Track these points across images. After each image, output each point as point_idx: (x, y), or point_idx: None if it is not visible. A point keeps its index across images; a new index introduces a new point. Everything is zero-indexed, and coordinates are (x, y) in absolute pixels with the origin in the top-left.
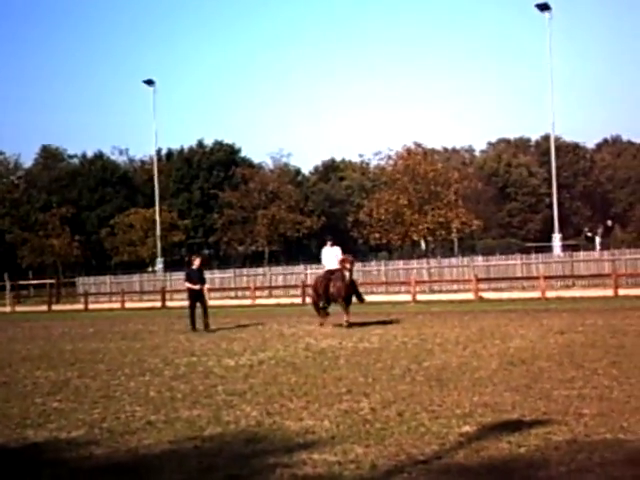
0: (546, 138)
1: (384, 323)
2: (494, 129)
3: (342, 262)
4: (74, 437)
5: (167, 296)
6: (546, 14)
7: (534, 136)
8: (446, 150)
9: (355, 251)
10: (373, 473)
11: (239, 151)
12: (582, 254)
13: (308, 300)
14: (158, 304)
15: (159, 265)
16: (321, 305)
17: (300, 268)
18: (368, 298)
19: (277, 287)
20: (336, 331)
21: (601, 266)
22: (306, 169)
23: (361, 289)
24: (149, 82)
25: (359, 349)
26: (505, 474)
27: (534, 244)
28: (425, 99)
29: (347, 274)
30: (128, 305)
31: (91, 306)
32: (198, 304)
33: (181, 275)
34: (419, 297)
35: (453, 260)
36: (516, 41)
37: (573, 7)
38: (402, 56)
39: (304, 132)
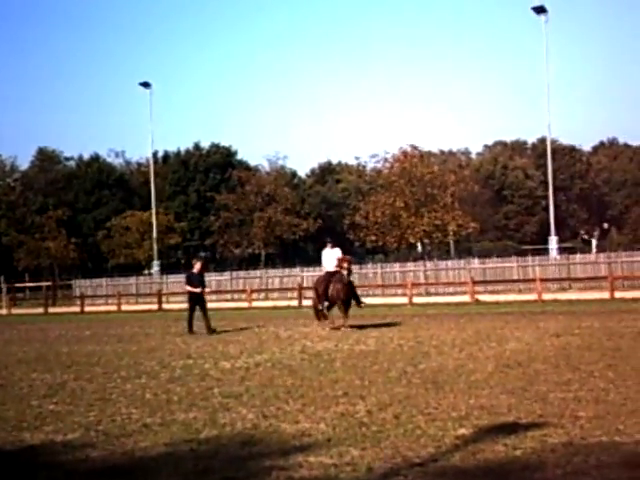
0: (542, 141)
1: (380, 326)
2: (491, 131)
3: (340, 262)
4: (70, 440)
5: (163, 299)
6: (542, 17)
7: (531, 139)
8: (442, 152)
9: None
10: (369, 476)
11: (235, 154)
12: (578, 257)
13: (305, 303)
14: (154, 307)
15: (155, 268)
16: (320, 307)
17: (296, 271)
18: (364, 300)
19: (273, 290)
20: (332, 334)
21: (597, 269)
22: (302, 172)
23: (357, 291)
24: (145, 84)
25: (355, 351)
26: (501, 476)
27: (530, 247)
28: (421, 101)
29: (345, 273)
30: (124, 308)
31: (87, 309)
32: (197, 307)
33: (178, 278)
34: (415, 300)
35: (449, 263)
36: (513, 44)
37: (570, 10)
38: (398, 59)
39: (300, 135)
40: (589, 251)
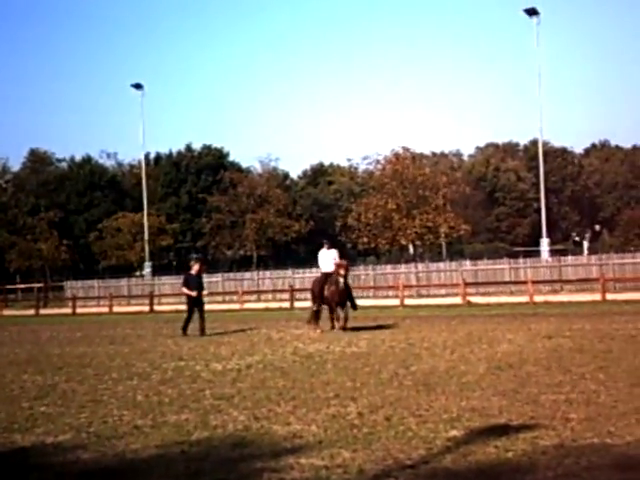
0: (534, 143)
1: (372, 328)
2: (482, 134)
3: (337, 267)
4: (61, 441)
5: (155, 300)
6: (534, 19)
7: (522, 141)
8: (434, 154)
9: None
10: (360, 478)
11: (227, 155)
12: (570, 259)
13: (297, 305)
14: (146, 308)
15: (147, 269)
16: (314, 308)
17: (288, 272)
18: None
19: (265, 291)
20: (324, 335)
21: (589, 271)
22: (294, 173)
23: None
24: (137, 86)
25: (347, 353)
26: (492, 478)
27: (522, 249)
28: (413, 103)
29: (341, 280)
30: (116, 309)
31: (79, 310)
32: (195, 309)
33: (169, 279)
34: (407, 301)
35: (441, 264)
36: (505, 46)
37: (562, 12)
38: (391, 61)
39: (292, 136)
40: (581, 253)
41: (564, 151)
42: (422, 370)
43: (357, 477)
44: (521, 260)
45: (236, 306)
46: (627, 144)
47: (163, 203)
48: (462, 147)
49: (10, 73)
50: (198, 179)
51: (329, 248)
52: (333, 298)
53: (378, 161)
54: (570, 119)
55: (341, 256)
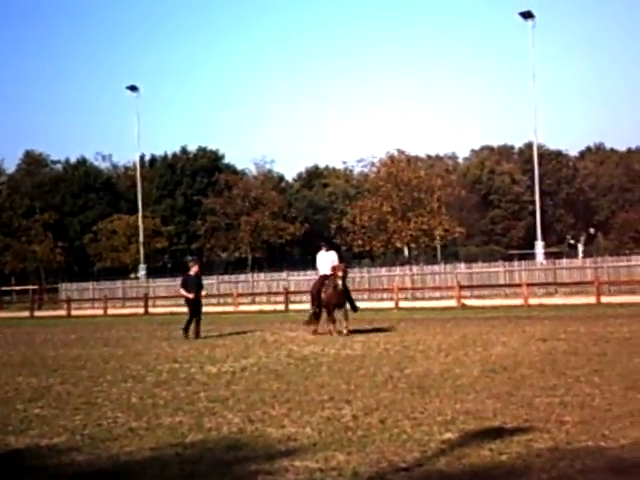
0: (529, 146)
1: (367, 330)
2: (477, 136)
3: (334, 269)
4: (56, 443)
5: (150, 302)
6: (529, 22)
7: (517, 144)
8: (429, 157)
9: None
10: None
11: (222, 157)
12: (565, 261)
13: (292, 307)
14: (141, 310)
15: (142, 271)
16: (312, 310)
17: (283, 275)
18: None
19: (260, 294)
20: (319, 338)
21: (584, 273)
22: (289, 176)
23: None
24: (133, 88)
25: (341, 356)
26: None
27: (517, 251)
28: (408, 106)
29: (339, 282)
30: (111, 311)
31: (74, 312)
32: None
33: (164, 282)
34: (402, 304)
35: (436, 267)
36: (500, 49)
37: (557, 15)
38: (386, 64)
39: (288, 139)
40: (575, 256)
41: (559, 154)
42: (417, 373)
43: None
44: (516, 263)
45: (231, 308)
46: (622, 147)
47: (158, 205)
48: (457, 150)
49: (5, 74)
50: (193, 181)
51: (327, 250)
52: (331, 301)
53: (373, 164)
54: (565, 122)
55: (339, 258)
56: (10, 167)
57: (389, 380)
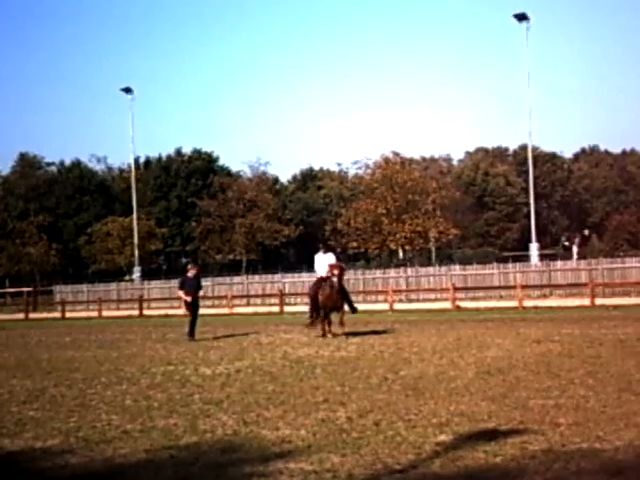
0: (524, 148)
1: (361, 332)
2: (472, 138)
3: (331, 268)
4: (50, 446)
5: (144, 305)
6: (524, 24)
7: (512, 145)
8: (424, 159)
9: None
10: None
11: (217, 159)
12: (559, 263)
13: (287, 309)
14: (135, 313)
15: (136, 274)
16: (309, 315)
17: (278, 277)
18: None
19: (255, 296)
20: (313, 340)
21: (578, 275)
22: (284, 178)
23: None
24: (127, 90)
25: (336, 358)
26: None
27: (511, 253)
28: (403, 108)
29: (334, 280)
30: (105, 314)
31: (68, 314)
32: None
33: (159, 284)
34: (396, 306)
35: (430, 269)
36: (494, 51)
37: (552, 18)
38: (381, 66)
39: (282, 141)
40: (570, 258)
41: (553, 156)
42: (411, 375)
43: None
44: (510, 265)
45: (225, 310)
46: (616, 149)
47: (153, 207)
48: (452, 152)
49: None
50: (188, 183)
51: (325, 252)
52: (327, 303)
53: (368, 166)
54: (560, 124)
55: (337, 260)
56: (4, 169)
57: (384, 382)
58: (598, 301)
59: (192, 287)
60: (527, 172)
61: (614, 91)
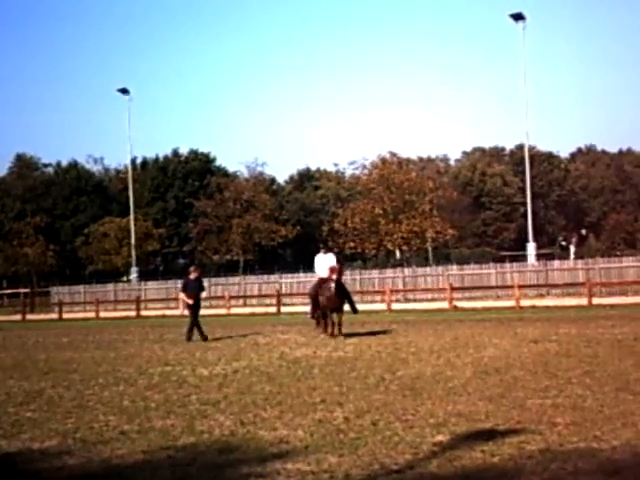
0: (520, 147)
1: (358, 332)
2: (469, 138)
3: (330, 271)
4: (47, 447)
5: (142, 305)
6: (520, 24)
7: (509, 145)
8: (421, 159)
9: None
10: None
11: (214, 160)
12: (556, 263)
13: (284, 309)
14: (133, 313)
15: (134, 274)
16: (314, 314)
17: (275, 277)
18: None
19: (252, 296)
20: (310, 340)
21: (575, 275)
22: (281, 178)
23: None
24: (124, 91)
25: (333, 358)
26: None
27: (508, 253)
28: (400, 108)
29: (332, 285)
30: (102, 314)
31: (65, 315)
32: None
33: (156, 284)
34: (394, 306)
35: (428, 269)
36: (491, 51)
37: (548, 17)
38: (377, 66)
39: (279, 141)
40: (567, 257)
41: (550, 155)
42: (408, 375)
43: None
44: (507, 264)
45: (222, 311)
46: (613, 148)
47: (150, 208)
48: (449, 152)
49: None
50: (185, 184)
51: (326, 252)
52: (328, 304)
53: (365, 166)
54: (556, 124)
55: (337, 261)
56: (1, 170)
57: (381, 382)
58: (595, 301)
59: (194, 289)
60: (524, 172)
61: (611, 91)
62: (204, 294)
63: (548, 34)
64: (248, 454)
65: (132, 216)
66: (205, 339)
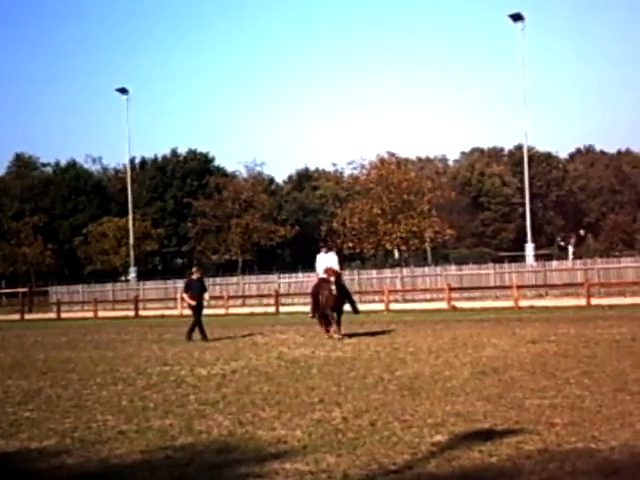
0: (519, 148)
1: (357, 332)
2: (467, 139)
3: (326, 273)
4: (45, 447)
5: (140, 305)
6: (519, 24)
7: (507, 146)
8: (420, 159)
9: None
10: None
11: (213, 160)
12: (555, 263)
13: (282, 309)
14: (131, 313)
15: (132, 274)
16: (312, 315)
17: (273, 277)
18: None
19: (250, 296)
20: (309, 340)
21: (574, 275)
22: (280, 178)
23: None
24: (122, 90)
25: (332, 358)
26: None
27: (507, 253)
28: (399, 108)
29: (332, 287)
30: (101, 314)
31: (64, 315)
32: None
33: (154, 284)
34: (392, 306)
35: (426, 269)
36: (490, 51)
37: (547, 18)
38: (376, 66)
39: (278, 141)
40: (565, 258)
41: (549, 156)
42: (407, 375)
43: None
44: (506, 265)
45: (221, 311)
46: (612, 149)
47: (148, 208)
48: (447, 152)
49: None
50: (183, 184)
51: (327, 252)
52: (328, 304)
53: (363, 166)
54: (555, 124)
55: (339, 260)
56: (0, 170)
57: (379, 382)
58: (594, 301)
59: (197, 290)
60: (522, 172)
61: (609, 91)
62: (207, 295)
63: (547, 35)
64: (246, 454)
65: (131, 216)
66: (205, 339)
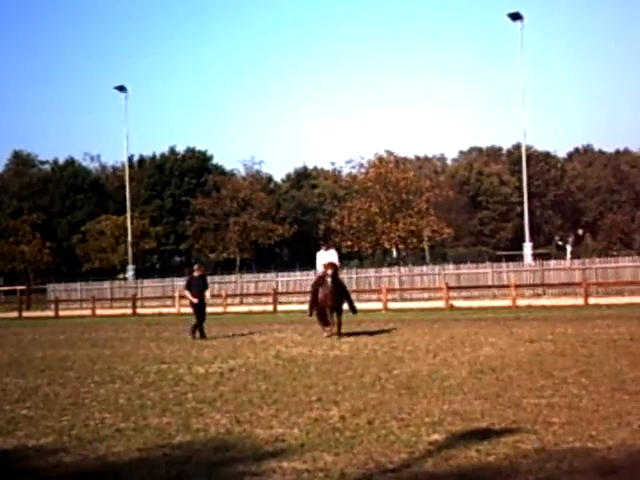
0: (517, 147)
1: (355, 331)
2: (466, 138)
3: (324, 268)
4: (43, 445)
5: (138, 303)
6: (518, 23)
7: (506, 145)
8: (418, 158)
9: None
10: None
11: (211, 158)
12: (553, 263)
13: (280, 308)
14: (129, 311)
15: (130, 272)
16: (309, 313)
17: (271, 276)
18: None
19: (248, 295)
20: (307, 339)
21: (571, 275)
22: (278, 177)
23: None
24: (121, 88)
25: (329, 357)
26: None
27: (505, 252)
28: (397, 107)
29: (329, 280)
30: (99, 312)
31: (62, 313)
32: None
33: (152, 282)
34: (390, 305)
35: (424, 268)
36: (488, 50)
37: (546, 17)
38: (375, 65)
39: (276, 139)
40: (563, 257)
41: (547, 155)
42: (404, 374)
43: None
44: (504, 264)
45: (219, 309)
46: (610, 148)
47: (146, 206)
48: (446, 151)
49: None
50: (182, 182)
51: (327, 249)
52: (326, 301)
53: (362, 165)
54: (553, 123)
55: (339, 257)
56: None
57: (377, 381)
58: (591, 300)
59: (198, 287)
60: (521, 171)
61: (608, 91)
62: (209, 292)
63: (546, 34)
64: (244, 452)
65: (129, 214)
66: (203, 337)
